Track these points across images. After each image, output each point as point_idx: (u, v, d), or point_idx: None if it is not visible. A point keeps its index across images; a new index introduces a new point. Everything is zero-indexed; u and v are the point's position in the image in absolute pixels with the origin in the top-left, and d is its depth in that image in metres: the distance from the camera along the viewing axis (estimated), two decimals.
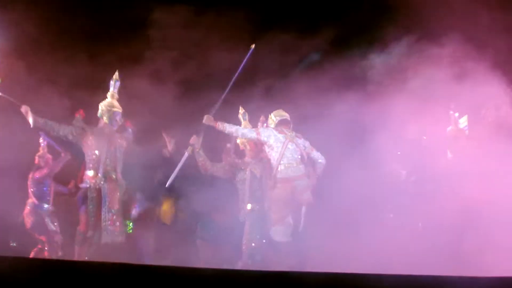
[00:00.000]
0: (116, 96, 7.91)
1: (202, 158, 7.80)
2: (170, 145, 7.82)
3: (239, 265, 7.57)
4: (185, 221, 8.16)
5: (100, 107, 7.83)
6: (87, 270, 6.08)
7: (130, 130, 8.07)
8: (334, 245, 7.60)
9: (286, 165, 7.63)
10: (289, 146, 7.70)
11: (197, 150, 7.76)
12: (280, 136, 7.74)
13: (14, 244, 9.39)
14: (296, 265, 7.27)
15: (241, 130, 7.75)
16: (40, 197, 8.76)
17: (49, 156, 8.92)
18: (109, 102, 7.84)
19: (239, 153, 8.22)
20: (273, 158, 7.67)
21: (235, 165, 7.94)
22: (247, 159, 8.02)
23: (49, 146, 8.92)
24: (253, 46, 7.84)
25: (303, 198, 7.64)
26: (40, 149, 8.89)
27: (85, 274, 5.87)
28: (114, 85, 7.90)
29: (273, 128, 7.87)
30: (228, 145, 8.13)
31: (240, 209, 7.82)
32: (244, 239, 7.67)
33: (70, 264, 6.66)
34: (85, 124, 7.73)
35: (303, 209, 7.67)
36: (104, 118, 7.77)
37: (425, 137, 8.46)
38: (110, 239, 7.36)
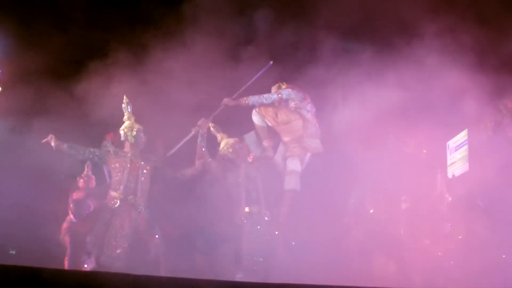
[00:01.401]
0: (133, 117, 8.02)
1: (203, 144, 7.89)
2: (204, 127, 7.90)
3: (240, 268, 7.58)
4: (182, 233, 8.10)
5: (121, 132, 7.96)
6: (84, 279, 6.11)
7: (160, 150, 8.11)
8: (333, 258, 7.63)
9: None
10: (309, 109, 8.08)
11: (202, 132, 7.87)
12: (299, 94, 8.06)
13: (13, 252, 9.39)
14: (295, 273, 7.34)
15: (263, 96, 7.99)
16: (79, 216, 8.61)
17: (92, 176, 8.83)
18: (128, 124, 8.00)
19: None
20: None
21: (224, 164, 7.97)
22: (237, 162, 8.02)
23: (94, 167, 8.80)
24: (271, 62, 8.01)
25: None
26: (85, 167, 8.81)
27: (82, 284, 5.88)
28: (127, 108, 8.03)
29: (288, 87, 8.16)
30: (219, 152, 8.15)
31: (237, 212, 7.83)
32: (243, 241, 7.70)
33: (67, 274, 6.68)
34: (113, 147, 7.87)
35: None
36: (129, 139, 7.88)
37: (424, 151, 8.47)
38: (108, 262, 7.39)
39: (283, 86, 8.19)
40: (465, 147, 8.62)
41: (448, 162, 8.86)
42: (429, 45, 8.44)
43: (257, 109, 8.09)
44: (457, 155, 8.74)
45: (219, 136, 8.19)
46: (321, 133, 8.12)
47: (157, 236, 7.69)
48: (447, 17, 8.49)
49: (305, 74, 8.42)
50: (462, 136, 8.69)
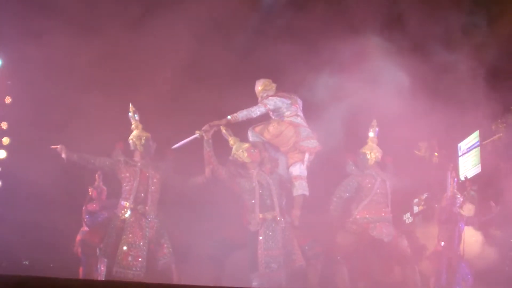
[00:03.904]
0: (140, 125, 8.03)
1: (209, 149, 7.84)
2: (209, 133, 7.85)
3: (256, 275, 7.56)
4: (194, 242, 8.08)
5: (130, 141, 7.96)
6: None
7: (170, 159, 8.09)
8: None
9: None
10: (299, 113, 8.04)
11: (206, 138, 7.84)
12: (285, 100, 8.02)
13: (27, 263, 9.43)
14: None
15: (251, 110, 7.94)
16: (93, 227, 8.47)
17: (103, 188, 8.84)
18: (136, 133, 7.97)
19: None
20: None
21: (234, 170, 7.94)
22: (249, 168, 8.00)
23: (104, 178, 8.81)
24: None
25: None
26: (96, 177, 8.81)
27: None
28: (133, 116, 8.06)
29: (274, 94, 8.08)
30: (230, 157, 8.15)
31: (251, 219, 7.81)
32: (258, 248, 7.66)
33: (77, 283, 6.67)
34: (123, 156, 7.84)
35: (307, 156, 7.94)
36: (139, 148, 7.86)
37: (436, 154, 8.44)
38: (121, 272, 7.37)
39: (268, 83, 8.20)
40: (477, 148, 8.60)
41: (460, 164, 8.85)
42: (440, 48, 8.44)
43: (251, 128, 8.15)
44: (469, 156, 8.72)
45: (231, 139, 8.14)
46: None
47: (165, 245, 7.65)
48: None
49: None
50: (473, 137, 8.67)
